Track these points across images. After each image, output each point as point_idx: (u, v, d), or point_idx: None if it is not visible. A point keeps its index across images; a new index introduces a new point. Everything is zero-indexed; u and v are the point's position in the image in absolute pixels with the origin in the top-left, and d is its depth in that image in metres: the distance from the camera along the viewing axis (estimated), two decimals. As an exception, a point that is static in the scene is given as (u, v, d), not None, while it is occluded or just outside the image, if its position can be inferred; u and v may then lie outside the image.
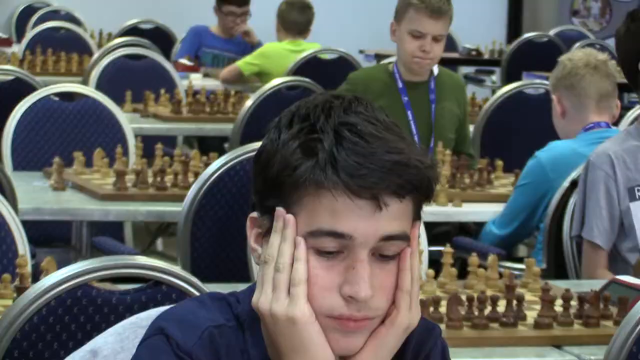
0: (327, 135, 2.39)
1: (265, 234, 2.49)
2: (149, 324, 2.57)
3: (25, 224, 5.56)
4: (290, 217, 2.42)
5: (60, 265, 3.90)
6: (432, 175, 2.44)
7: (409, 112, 7.12)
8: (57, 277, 3.53)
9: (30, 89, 7.34)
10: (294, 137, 2.42)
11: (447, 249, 4.77)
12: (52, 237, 6.48)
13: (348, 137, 2.39)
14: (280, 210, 2.44)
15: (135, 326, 2.92)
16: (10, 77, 7.78)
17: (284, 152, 2.42)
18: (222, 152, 6.96)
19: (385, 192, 2.39)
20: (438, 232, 6.01)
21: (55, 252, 5.96)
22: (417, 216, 2.47)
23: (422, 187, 2.42)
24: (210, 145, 8.49)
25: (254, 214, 2.52)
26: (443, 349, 2.64)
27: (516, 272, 4.88)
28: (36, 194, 5.96)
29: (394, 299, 2.47)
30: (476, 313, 4.24)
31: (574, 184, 5.54)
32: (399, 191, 2.40)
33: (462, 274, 4.78)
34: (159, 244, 8.09)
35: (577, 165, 5.71)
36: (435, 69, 7.20)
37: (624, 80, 5.55)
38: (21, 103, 6.88)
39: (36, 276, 4.22)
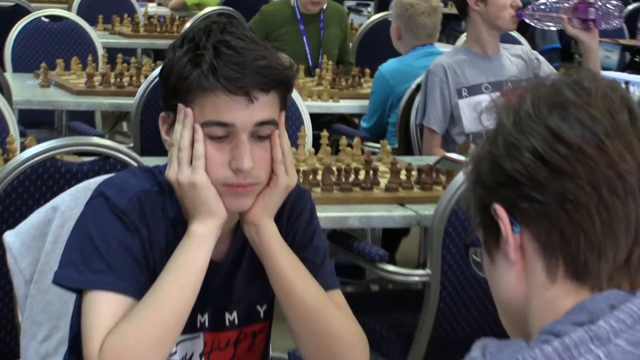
0: (208, 51, 2.38)
1: (170, 126, 2.46)
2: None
3: (21, 112, 5.58)
4: (188, 110, 2.41)
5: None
6: (290, 74, 2.46)
7: (304, 37, 7.20)
8: (32, 151, 3.49)
9: (26, 12, 7.34)
10: (184, 54, 2.41)
11: (324, 133, 4.74)
12: (41, 122, 6.45)
13: (224, 51, 2.38)
14: (180, 105, 2.42)
15: (86, 189, 2.90)
16: (11, 3, 7.82)
17: (177, 66, 2.42)
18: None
19: (255, 89, 2.37)
20: (322, 121, 5.97)
21: (42, 133, 5.93)
22: (283, 106, 2.46)
23: (282, 83, 2.43)
24: (162, 56, 8.44)
25: (163, 114, 2.50)
26: (311, 207, 2.63)
27: (374, 150, 4.88)
28: (28, 90, 5.94)
29: (273, 171, 2.44)
30: (343, 180, 4.22)
31: (418, 86, 5.53)
32: (265, 87, 2.39)
33: (336, 151, 4.75)
34: (125, 126, 8.11)
35: (409, 73, 5.82)
36: (325, 4, 7.24)
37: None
38: (19, 23, 6.87)
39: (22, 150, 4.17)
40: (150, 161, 3.58)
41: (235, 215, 2.48)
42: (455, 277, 3.94)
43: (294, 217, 2.57)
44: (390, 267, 4.05)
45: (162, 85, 2.51)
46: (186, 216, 2.46)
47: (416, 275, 4.04)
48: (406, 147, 5.60)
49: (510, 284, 1.58)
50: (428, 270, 3.94)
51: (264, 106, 2.41)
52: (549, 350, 1.40)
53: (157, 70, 5.51)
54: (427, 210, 4.12)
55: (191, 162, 2.41)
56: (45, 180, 3.48)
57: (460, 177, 3.91)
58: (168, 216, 2.49)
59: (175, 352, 2.49)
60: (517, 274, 1.57)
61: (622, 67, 9.22)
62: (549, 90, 1.56)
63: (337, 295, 2.56)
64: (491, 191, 1.58)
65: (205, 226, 2.42)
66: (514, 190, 1.54)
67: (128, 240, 2.44)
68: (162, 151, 4.90)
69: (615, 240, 1.51)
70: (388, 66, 6.01)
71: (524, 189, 1.53)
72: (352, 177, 4.26)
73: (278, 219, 2.51)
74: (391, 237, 5.80)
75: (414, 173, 4.36)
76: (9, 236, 2.89)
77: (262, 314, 2.61)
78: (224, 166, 2.41)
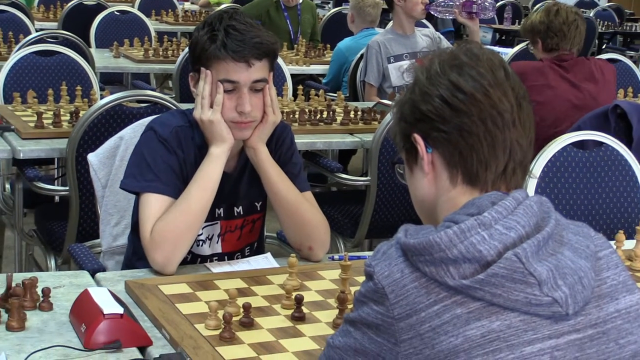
0: (221, 32, 2.32)
1: (196, 82, 2.39)
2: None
3: (101, 74, 5.48)
4: (207, 71, 2.34)
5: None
6: (276, 47, 2.40)
7: (287, 21, 7.05)
8: (106, 100, 3.41)
9: (103, 8, 7.09)
10: (205, 34, 2.35)
11: (300, 87, 4.67)
12: (114, 81, 6.33)
13: (231, 32, 2.31)
14: (202, 69, 2.35)
15: (141, 125, 2.83)
16: (94, 2, 7.46)
17: (200, 42, 2.35)
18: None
19: (252, 58, 2.32)
20: (299, 79, 5.87)
21: (114, 88, 5.80)
22: (271, 69, 2.40)
23: (271, 53, 2.37)
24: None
25: (191, 74, 2.43)
26: (291, 136, 2.57)
27: (333, 98, 4.80)
28: (105, 59, 5.85)
29: (265, 112, 2.37)
30: (312, 118, 4.15)
31: (362, 55, 5.44)
32: (259, 56, 2.33)
33: (308, 99, 4.67)
34: (170, 83, 7.97)
35: (358, 47, 5.71)
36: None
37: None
38: (99, 15, 6.71)
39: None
40: (185, 106, 3.51)
41: (240, 142, 2.41)
42: (386, 182, 3.90)
43: (280, 143, 2.51)
44: (344, 175, 4.00)
45: (190, 54, 2.43)
46: (208, 143, 2.39)
47: (361, 181, 3.99)
48: (354, 96, 5.53)
49: (424, 187, 1.54)
50: (369, 177, 3.90)
51: (259, 69, 2.34)
52: (450, 233, 1.35)
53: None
54: (368, 137, 4.07)
55: (211, 106, 2.34)
56: (115, 119, 3.40)
57: (388, 117, 3.84)
58: (196, 143, 2.42)
59: (202, 234, 2.44)
60: (429, 181, 1.52)
61: (494, 43, 9.36)
62: (449, 56, 1.52)
63: (309, 195, 2.51)
64: (411, 125, 1.53)
65: (220, 149, 2.36)
66: (428, 124, 1.49)
67: (169, 159, 2.38)
68: (193, 99, 4.87)
69: (496, 157, 1.47)
70: (344, 43, 5.91)
71: (434, 123, 1.48)
72: (318, 116, 4.20)
73: (268, 144, 2.44)
74: (344, 156, 5.78)
75: (359, 113, 4.29)
76: (91, 156, 2.82)
77: (259, 207, 2.55)
78: (232, 110, 2.35)
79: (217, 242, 2.49)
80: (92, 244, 2.92)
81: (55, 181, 4.15)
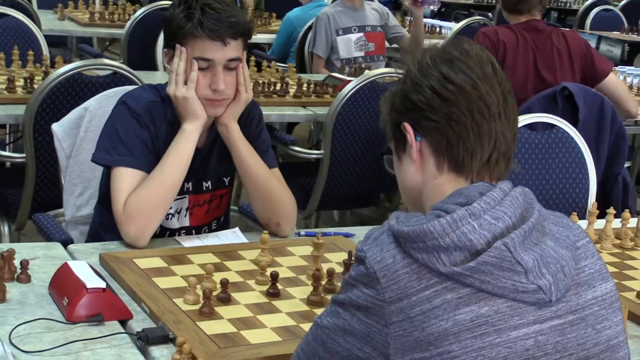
0: (197, 11, 2.35)
1: (170, 59, 2.41)
2: (117, 99, 2.49)
3: (45, 36, 5.37)
4: (183, 48, 2.37)
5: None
6: (250, 27, 2.44)
7: None
8: (65, 68, 3.40)
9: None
10: (181, 11, 2.37)
11: (252, 57, 4.68)
12: (58, 43, 6.23)
13: (207, 11, 2.35)
14: (178, 45, 2.37)
15: (106, 96, 2.84)
16: None
17: (176, 19, 2.38)
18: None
19: (228, 37, 2.35)
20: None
21: (59, 51, 5.75)
22: (245, 48, 2.43)
23: (246, 33, 2.41)
24: (136, 2, 8.16)
25: (165, 50, 2.45)
26: (260, 113, 2.62)
27: (284, 69, 4.82)
28: (50, 21, 5.76)
29: (237, 90, 2.40)
30: (266, 90, 4.19)
31: (310, 26, 5.48)
32: (234, 36, 2.36)
33: (259, 70, 4.69)
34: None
35: (307, 18, 5.75)
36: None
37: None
38: None
39: (52, 65, 4.06)
40: (139, 74, 3.54)
41: (211, 118, 2.44)
42: (339, 155, 3.96)
43: (249, 120, 2.55)
44: (297, 148, 4.05)
45: (164, 30, 2.46)
46: (180, 119, 2.42)
47: (314, 154, 4.04)
48: (301, 67, 5.56)
49: (412, 175, 1.59)
50: (322, 151, 3.95)
51: (233, 48, 2.37)
52: (443, 222, 1.42)
53: (137, 13, 5.45)
54: (320, 110, 4.12)
55: (185, 83, 2.37)
56: (75, 88, 3.39)
57: (344, 91, 3.90)
58: (168, 118, 2.44)
59: (171, 208, 2.47)
60: (417, 168, 1.58)
61: (433, 16, 9.45)
62: (441, 50, 1.58)
63: (277, 171, 2.55)
64: (402, 114, 1.58)
65: (193, 125, 2.39)
66: (418, 113, 1.55)
67: (142, 133, 2.40)
68: (141, 67, 4.87)
69: (482, 147, 1.53)
70: (293, 13, 5.93)
71: (424, 112, 1.54)
72: (271, 88, 4.23)
73: (239, 121, 2.48)
74: (288, 126, 5.82)
75: (312, 86, 4.33)
76: (55, 126, 2.82)
77: (226, 183, 2.59)
78: (206, 87, 2.38)
79: (185, 216, 2.52)
80: (55, 213, 2.92)
81: (7, 147, 4.12)
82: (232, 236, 2.48)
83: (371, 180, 4.07)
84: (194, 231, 2.54)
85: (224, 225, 2.63)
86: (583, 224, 2.72)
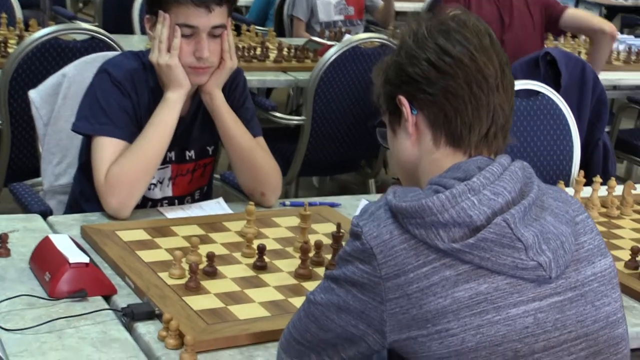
0: None
1: (152, 25, 2.34)
2: (96, 65, 2.42)
3: None
4: (166, 15, 2.30)
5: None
6: None
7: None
8: (41, 33, 3.31)
9: None
10: None
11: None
12: (31, 4, 6.10)
13: None
14: (161, 12, 2.30)
15: (85, 62, 2.77)
16: None
17: None
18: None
19: (212, 3, 2.30)
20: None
21: (32, 12, 5.62)
22: (230, 15, 2.37)
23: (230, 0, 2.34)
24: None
25: (147, 16, 2.38)
26: (244, 81, 2.56)
27: (264, 33, 4.75)
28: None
29: (222, 58, 2.34)
30: (246, 54, 4.12)
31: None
32: (219, 2, 2.31)
33: (238, 34, 4.61)
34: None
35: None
36: None
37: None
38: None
39: (27, 29, 3.98)
40: (117, 37, 3.46)
41: (194, 86, 2.38)
42: (319, 121, 3.91)
43: (233, 87, 2.49)
44: (278, 114, 3.99)
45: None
46: (162, 87, 2.36)
47: (295, 120, 3.98)
48: (279, 31, 5.49)
49: (407, 149, 1.55)
50: (303, 117, 3.90)
51: (218, 15, 2.30)
52: (442, 197, 1.38)
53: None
54: (301, 75, 4.06)
55: (168, 50, 2.30)
56: (51, 53, 3.32)
57: (326, 57, 3.84)
58: (150, 86, 2.38)
59: (154, 177, 2.41)
60: (413, 142, 1.54)
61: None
62: (437, 21, 1.53)
63: (261, 140, 2.50)
64: (396, 87, 1.54)
65: (176, 94, 2.33)
66: (413, 86, 1.51)
67: (123, 102, 2.34)
68: (118, 30, 4.78)
69: (480, 120, 1.49)
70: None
71: (420, 85, 1.50)
72: (251, 53, 4.16)
73: (223, 89, 2.42)
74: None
75: (293, 50, 4.27)
76: (32, 93, 2.75)
77: (210, 152, 2.53)
78: (189, 55, 2.31)
79: (168, 186, 2.47)
80: (32, 182, 2.85)
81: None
82: (216, 207, 2.43)
83: (352, 147, 4.03)
84: (176, 201, 2.49)
85: (207, 195, 2.58)
86: (569, 192, 2.70)
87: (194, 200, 2.53)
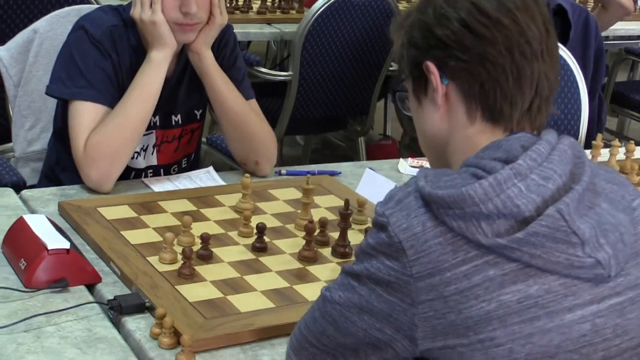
0: None
1: None
2: (70, 20, 2.19)
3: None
4: None
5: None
6: None
7: None
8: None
9: None
10: None
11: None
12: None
13: None
14: None
15: (57, 16, 2.55)
16: None
17: None
18: None
19: None
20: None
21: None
22: None
23: None
24: None
25: None
26: (234, 38, 2.35)
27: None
28: None
29: (211, 13, 2.12)
30: (227, 5, 3.89)
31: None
32: None
33: None
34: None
35: None
36: None
37: None
38: None
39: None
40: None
41: (180, 44, 2.16)
42: (307, 77, 3.70)
43: (222, 45, 2.27)
44: (264, 70, 3.79)
45: None
46: (145, 45, 2.14)
47: (282, 76, 3.77)
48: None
49: (434, 123, 1.35)
50: (290, 72, 3.69)
51: None
52: (486, 185, 1.18)
53: None
54: (287, 28, 3.85)
55: (151, 5, 2.08)
56: (20, 5, 3.07)
57: (315, 8, 3.62)
58: (131, 44, 2.16)
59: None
60: (442, 115, 1.34)
61: None
62: None
63: (254, 103, 2.30)
64: (424, 51, 1.33)
65: (161, 54, 2.11)
66: (444, 51, 1.30)
67: (103, 63, 2.12)
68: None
69: (523, 92, 1.29)
70: None
71: (453, 51, 1.29)
72: (234, 3, 3.94)
73: (211, 48, 2.20)
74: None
75: (277, 1, 4.04)
76: (1, 50, 2.52)
77: (198, 116, 2.32)
78: (175, 10, 2.09)
79: (153, 154, 2.26)
80: (2, 148, 2.63)
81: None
82: (206, 177, 2.22)
83: (341, 104, 3.82)
84: (162, 170, 2.28)
85: (194, 163, 2.38)
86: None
87: (180, 169, 2.32)
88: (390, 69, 3.84)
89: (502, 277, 1.17)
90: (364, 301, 1.25)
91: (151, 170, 2.26)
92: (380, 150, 4.45)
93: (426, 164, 2.40)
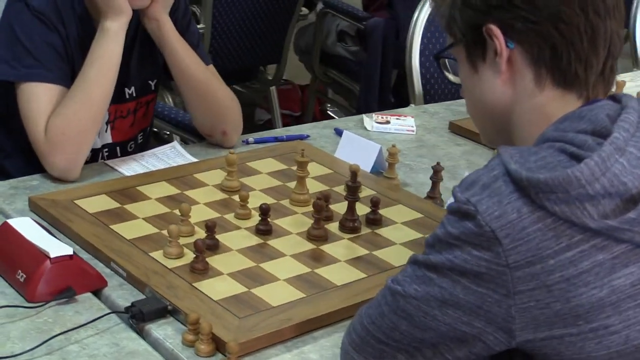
0: None
1: None
2: None
3: None
4: None
5: None
6: None
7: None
8: None
9: None
10: None
11: None
12: None
13: None
14: None
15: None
16: None
17: None
18: None
19: None
20: None
21: None
22: None
23: None
24: None
25: None
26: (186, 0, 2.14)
27: None
28: None
29: None
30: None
31: None
32: None
33: None
34: None
35: None
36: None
37: None
38: None
39: None
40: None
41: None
42: (220, 28, 3.54)
43: (173, 9, 2.08)
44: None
45: None
46: (93, 14, 1.95)
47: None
48: None
49: (496, 90, 1.26)
50: (202, 25, 3.51)
51: None
52: (592, 164, 1.10)
53: None
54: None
55: None
56: None
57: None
58: (76, 13, 1.96)
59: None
60: (504, 82, 1.25)
61: None
62: None
63: (212, 68, 2.14)
64: (483, 13, 1.23)
65: (117, 23, 1.92)
66: (510, 12, 1.21)
67: (50, 38, 1.92)
68: None
69: (597, 54, 1.21)
70: None
71: (521, 12, 1.20)
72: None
73: (165, 12, 2.02)
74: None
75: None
76: None
77: (152, 87, 2.15)
78: None
79: (107, 131, 2.08)
80: None
81: None
82: (173, 153, 2.07)
83: (253, 54, 3.68)
84: (118, 148, 2.11)
85: (149, 137, 2.21)
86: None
87: (137, 145, 2.15)
88: (301, 13, 3.71)
89: (612, 261, 1.10)
90: (446, 294, 1.16)
91: (106, 149, 2.09)
92: (281, 95, 4.33)
93: (392, 118, 2.30)
